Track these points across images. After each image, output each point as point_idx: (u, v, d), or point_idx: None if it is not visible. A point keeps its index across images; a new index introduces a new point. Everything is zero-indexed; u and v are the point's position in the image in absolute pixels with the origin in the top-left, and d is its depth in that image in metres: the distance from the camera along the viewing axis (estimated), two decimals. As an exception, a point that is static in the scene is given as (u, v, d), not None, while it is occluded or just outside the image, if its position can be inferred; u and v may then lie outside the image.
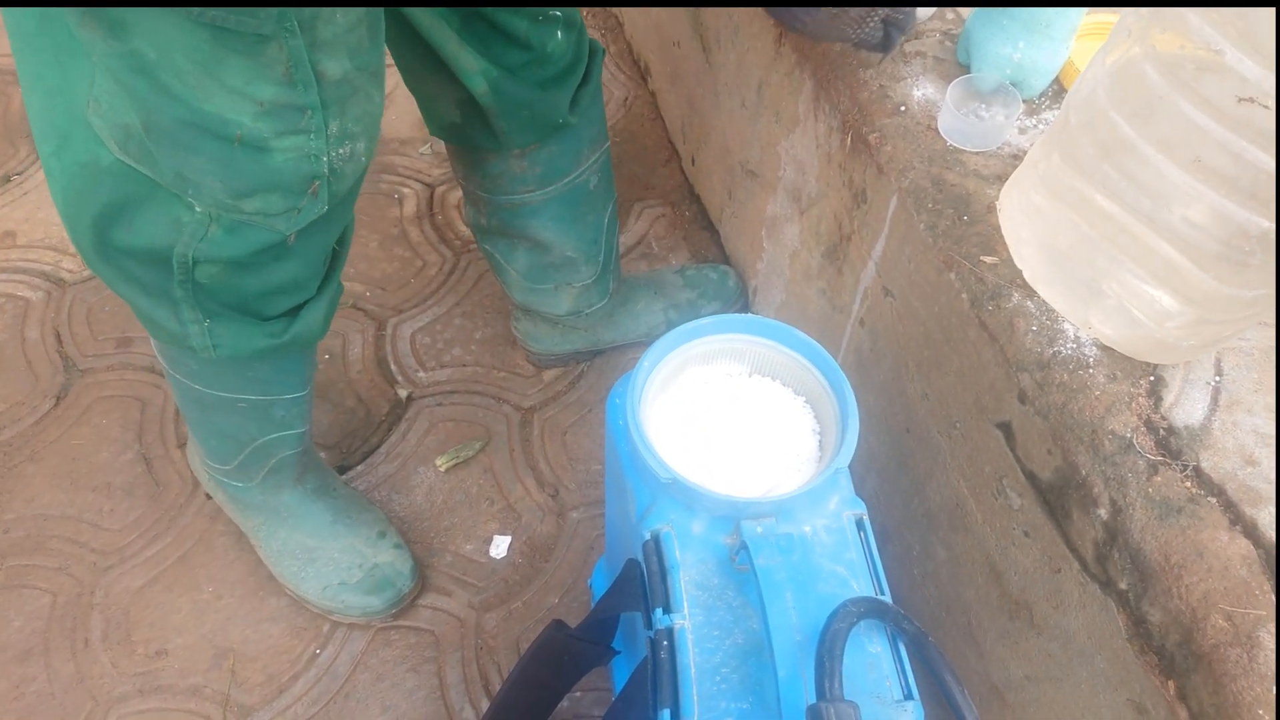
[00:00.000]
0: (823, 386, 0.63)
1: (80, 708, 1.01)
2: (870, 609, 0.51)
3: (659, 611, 0.56)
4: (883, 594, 0.57)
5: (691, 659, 0.54)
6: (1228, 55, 0.51)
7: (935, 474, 0.88)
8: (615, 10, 1.65)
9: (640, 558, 0.59)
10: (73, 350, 1.28)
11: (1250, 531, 0.62)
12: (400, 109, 1.54)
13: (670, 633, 0.55)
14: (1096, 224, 0.63)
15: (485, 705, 1.01)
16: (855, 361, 1.00)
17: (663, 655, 0.54)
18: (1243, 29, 0.50)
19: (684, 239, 1.42)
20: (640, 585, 0.59)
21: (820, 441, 0.65)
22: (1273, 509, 0.62)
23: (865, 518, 0.60)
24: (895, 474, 0.97)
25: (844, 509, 0.60)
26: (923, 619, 1.00)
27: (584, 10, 1.70)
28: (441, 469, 1.17)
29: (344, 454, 1.19)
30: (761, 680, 0.53)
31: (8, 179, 1.46)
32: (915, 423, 0.90)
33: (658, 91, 1.54)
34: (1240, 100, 0.51)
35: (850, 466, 1.04)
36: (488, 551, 1.11)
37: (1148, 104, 0.56)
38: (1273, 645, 0.57)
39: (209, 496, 1.12)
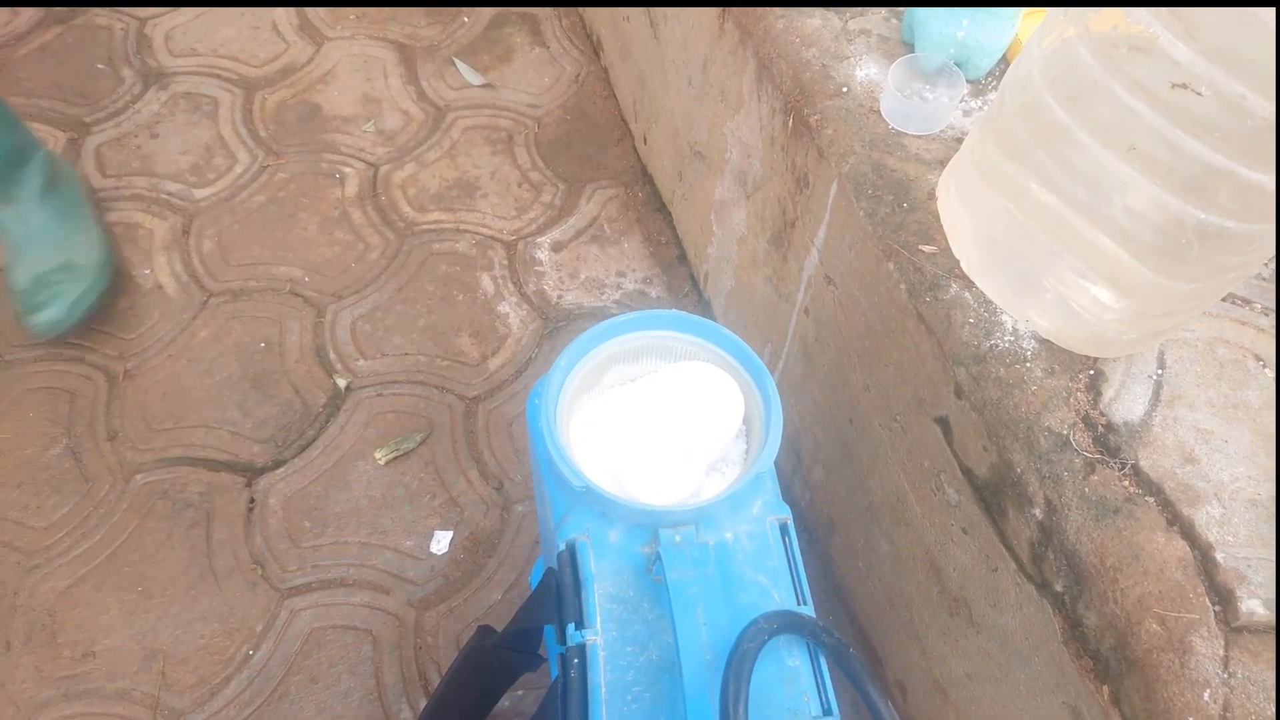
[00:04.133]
0: (749, 385, 0.61)
1: (1, 715, 0.97)
2: (785, 624, 0.49)
3: (571, 627, 0.53)
4: (804, 603, 0.55)
5: (603, 677, 0.51)
6: (1161, 38, 0.48)
7: (878, 467, 0.86)
8: (566, -17, 1.59)
9: (557, 569, 0.56)
10: (-3, 341, 1.22)
11: (1187, 532, 0.60)
12: (342, 85, 1.49)
13: (582, 649, 0.52)
14: (1032, 214, 0.60)
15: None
16: (801, 351, 0.97)
17: (572, 674, 0.51)
18: (1178, 11, 0.47)
19: (637, 221, 1.38)
20: (556, 598, 0.56)
21: (747, 442, 0.62)
22: (1210, 508, 0.61)
23: (789, 522, 0.57)
24: (840, 465, 0.95)
25: (768, 513, 0.57)
26: (867, 612, 0.98)
27: (535, -17, 1.65)
28: (381, 462, 1.14)
29: (279, 448, 1.15)
30: (675, 698, 0.51)
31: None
32: (858, 414, 0.87)
33: (610, 67, 1.49)
34: (1174, 86, 0.48)
35: (798, 456, 1.03)
36: (428, 548, 1.08)
37: (1083, 88, 0.53)
38: (1204, 650, 0.56)
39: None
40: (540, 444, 0.60)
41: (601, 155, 1.45)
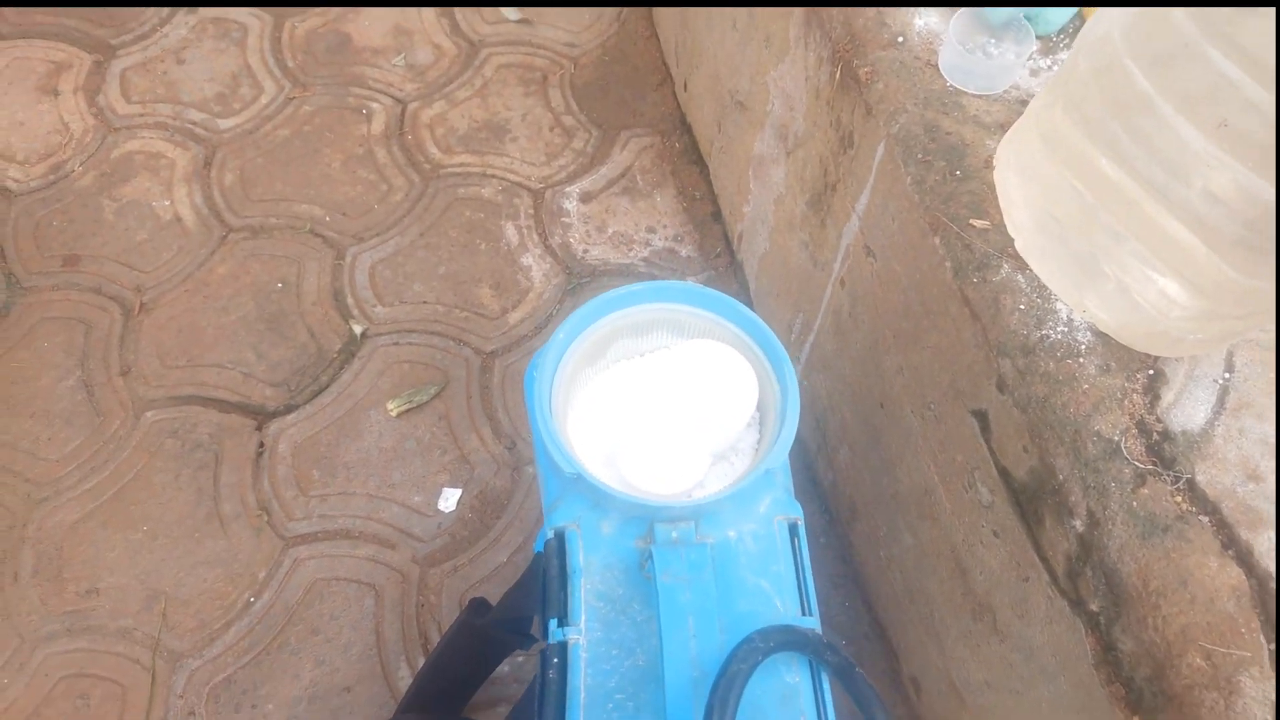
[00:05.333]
0: (766, 370, 0.55)
1: (5, 645, 0.97)
2: (784, 640, 0.44)
3: (554, 622, 0.49)
4: (810, 613, 0.50)
5: (583, 680, 0.47)
6: (1275, -6, 0.40)
7: (907, 455, 0.80)
8: (612, -85, 1.50)
9: (545, 555, 0.52)
10: (17, 267, 1.21)
11: (1244, 558, 0.54)
12: (374, 14, 1.43)
13: (563, 648, 0.48)
14: (1100, 193, 0.53)
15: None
16: (834, 325, 0.91)
17: (551, 674, 0.47)
18: (1298, -39, 0.39)
19: (672, 173, 1.31)
20: (541, 588, 0.52)
21: (760, 432, 0.57)
22: (1272, 534, 0.54)
23: (800, 523, 0.52)
24: (867, 449, 0.89)
25: (776, 512, 0.52)
26: (885, 603, 0.94)
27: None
28: (393, 413, 1.11)
29: (291, 392, 1.12)
30: (659, 709, 0.47)
31: (-45, 78, 1.37)
32: (890, 398, 0.81)
33: (653, 10, 1.41)
34: (1285, 53, 0.41)
35: (824, 434, 0.97)
36: (436, 504, 1.05)
37: (1171, 52, 0.46)
38: (1253, 693, 0.50)
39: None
40: (533, 418, 0.55)
41: (639, 101, 1.38)
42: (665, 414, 0.55)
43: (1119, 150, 0.51)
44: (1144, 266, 0.54)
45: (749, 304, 1.19)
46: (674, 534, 0.49)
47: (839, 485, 1.00)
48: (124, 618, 0.99)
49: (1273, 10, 0.41)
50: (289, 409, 1.11)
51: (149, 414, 1.10)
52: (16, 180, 1.27)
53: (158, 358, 1.14)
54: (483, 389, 1.13)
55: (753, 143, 1.04)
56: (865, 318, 0.83)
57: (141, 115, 1.32)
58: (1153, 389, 0.60)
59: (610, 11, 1.45)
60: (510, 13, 1.42)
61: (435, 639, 0.98)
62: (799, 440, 1.07)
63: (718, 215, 1.27)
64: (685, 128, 1.33)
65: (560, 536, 0.51)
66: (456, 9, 1.43)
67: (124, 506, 1.05)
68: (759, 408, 0.56)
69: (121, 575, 1.01)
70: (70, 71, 1.37)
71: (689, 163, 1.31)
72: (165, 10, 1.42)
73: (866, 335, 0.84)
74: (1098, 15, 0.53)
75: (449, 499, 1.06)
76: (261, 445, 1.09)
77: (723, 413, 0.54)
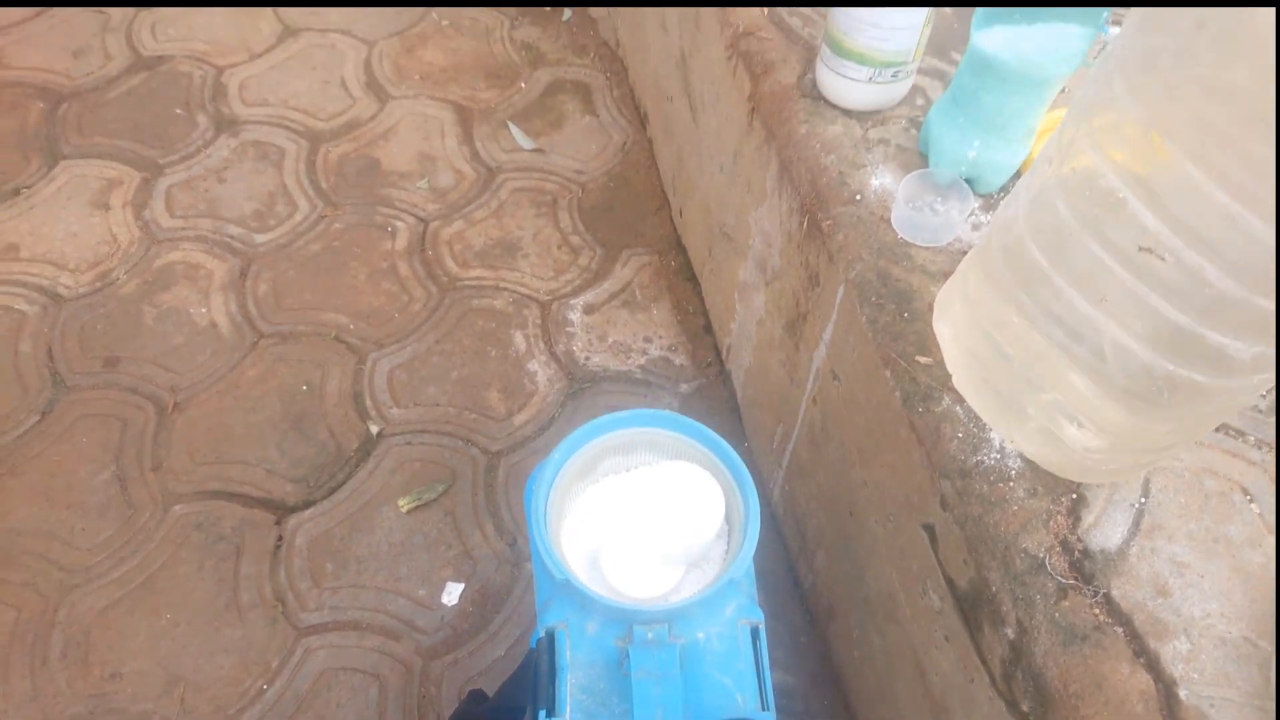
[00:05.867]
0: (732, 489, 0.64)
1: (32, 726, 1.03)
2: (738, 732, 0.52)
3: (542, 714, 0.56)
4: (768, 709, 0.58)
5: (566, 765, 0.54)
6: (1130, 203, 0.51)
7: (873, 561, 0.88)
8: (621, 55, 1.66)
9: (536, 652, 0.60)
10: (63, 366, 1.31)
11: (1152, 666, 0.61)
12: (402, 142, 1.57)
13: (550, 735, 0.55)
14: (1014, 346, 0.63)
15: (422, 753, 1.02)
16: (809, 437, 1.00)
17: (539, 758, 0.54)
18: (1144, 177, 0.50)
19: (668, 288, 1.43)
20: (532, 681, 0.59)
21: (728, 543, 0.65)
22: (1178, 643, 0.62)
23: (760, 627, 0.60)
24: (841, 554, 0.97)
25: (740, 616, 0.60)
26: (860, 702, 1.00)
27: (585, 48, 1.72)
28: (403, 510, 1.19)
29: (310, 489, 1.21)
30: (632, 792, 0.54)
31: (17, 191, 1.51)
32: (857, 508, 0.90)
33: (654, 139, 1.55)
34: (1141, 249, 0.51)
35: (804, 538, 1.05)
36: (439, 598, 1.12)
37: (1061, 238, 0.56)
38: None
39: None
40: (530, 527, 0.64)
41: (640, 223, 1.50)
42: (645, 526, 0.64)
43: (1025, 312, 0.60)
44: (1056, 410, 0.63)
45: (737, 410, 1.29)
46: (649, 634, 0.57)
47: (817, 587, 1.07)
48: (145, 701, 1.05)
49: (1128, 215, 0.51)
50: (307, 504, 1.19)
51: (177, 507, 1.19)
52: (67, 287, 1.39)
53: (188, 454, 1.23)
54: (488, 487, 1.22)
55: (738, 270, 1.15)
56: (835, 433, 0.92)
57: (184, 229, 1.45)
58: (1075, 511, 0.68)
59: (615, 142, 1.59)
60: (525, 142, 1.57)
61: (435, 729, 1.04)
62: (782, 541, 1.15)
63: (709, 328, 1.37)
64: (680, 249, 1.45)
65: (550, 635, 0.59)
66: (476, 140, 1.57)
67: (150, 594, 1.12)
68: (727, 522, 0.65)
69: (144, 660, 1.08)
70: (121, 188, 1.50)
71: (683, 280, 1.43)
72: (211, 133, 1.57)
73: (836, 449, 0.92)
74: (1007, 200, 0.63)
75: (452, 593, 1.13)
76: (280, 539, 1.17)
77: (694, 526, 0.62)
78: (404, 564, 1.15)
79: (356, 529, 1.17)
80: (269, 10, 1.75)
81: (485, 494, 1.21)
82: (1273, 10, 0.41)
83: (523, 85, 1.67)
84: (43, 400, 1.28)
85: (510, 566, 1.15)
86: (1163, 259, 0.50)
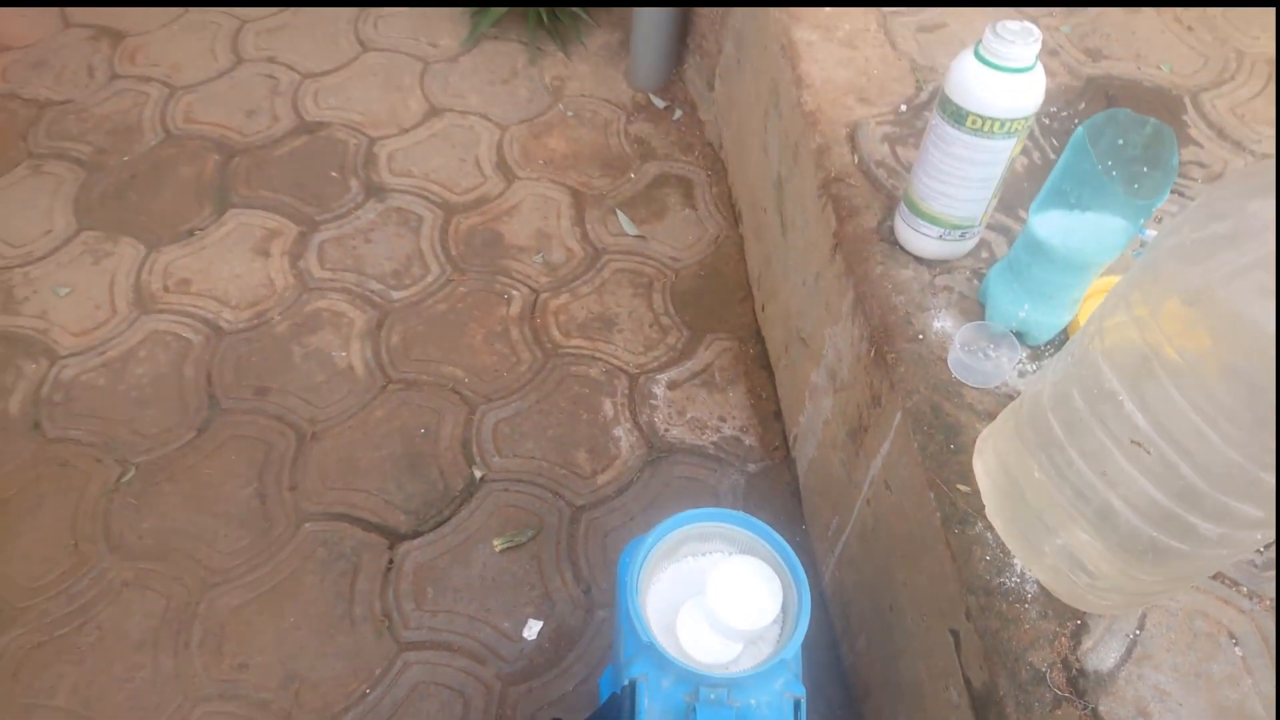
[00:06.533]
0: (790, 584, 0.79)
1: (173, 699, 1.23)
2: (777, 783, 0.66)
3: (623, 746, 0.72)
4: (801, 768, 0.72)
5: (638, 790, 0.69)
6: (1126, 404, 0.65)
7: (906, 653, 1.01)
8: (723, 157, 1.84)
9: (620, 696, 0.76)
10: (219, 391, 1.53)
11: (1128, 776, 0.73)
12: (523, 219, 1.77)
13: (627, 766, 0.71)
14: (1034, 495, 0.77)
15: (495, 767, 1.18)
16: (860, 533, 1.14)
17: (617, 783, 0.70)
18: (1135, 384, 0.64)
19: (744, 374, 1.58)
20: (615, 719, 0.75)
21: (782, 627, 0.80)
22: (1153, 760, 0.74)
23: (802, 701, 0.74)
24: (880, 641, 1.10)
25: (786, 690, 0.75)
26: (884, 774, 1.12)
27: (691, 147, 1.91)
28: (497, 549, 1.36)
29: (419, 520, 1.39)
30: (688, 820, 0.69)
31: (191, 232, 1.75)
32: (896, 603, 1.03)
33: (745, 238, 1.72)
34: (1132, 441, 0.65)
35: (848, 621, 1.18)
36: (521, 632, 1.28)
37: (1075, 419, 0.70)
38: None
39: (305, 541, 1.33)
40: (623, 594, 0.80)
41: (725, 310, 1.66)
42: (714, 605, 0.79)
43: (1044, 470, 0.74)
44: (1066, 552, 0.76)
45: (798, 495, 1.43)
46: (713, 695, 0.72)
47: (857, 667, 1.19)
48: (265, 692, 1.24)
49: (1125, 413, 0.65)
50: (416, 534, 1.38)
51: (307, 525, 1.38)
52: (228, 321, 1.62)
53: (320, 479, 1.43)
54: (570, 537, 1.38)
55: (810, 372, 1.30)
56: (883, 535, 1.06)
57: (332, 280, 1.67)
58: (1077, 635, 0.81)
59: (710, 234, 1.76)
60: (629, 228, 1.75)
61: (508, 747, 1.20)
62: (829, 621, 1.28)
63: (779, 415, 1.52)
64: (759, 339, 1.61)
65: (633, 685, 0.75)
66: (587, 222, 1.77)
67: (277, 599, 1.32)
68: (783, 610, 0.79)
69: (268, 656, 1.27)
70: (280, 238, 1.74)
71: (759, 368, 1.58)
72: (361, 197, 1.80)
73: (884, 549, 1.06)
74: (1037, 378, 0.77)
75: (532, 629, 1.29)
76: (391, 562, 1.35)
77: (755, 611, 0.77)
78: (493, 598, 1.32)
79: (456, 561, 1.35)
80: (418, 89, 1.99)
81: (567, 543, 1.38)
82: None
83: (632, 176, 1.86)
84: (200, 419, 1.50)
85: (584, 611, 1.31)
86: (1148, 452, 0.64)
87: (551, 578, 1.34)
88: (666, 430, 1.51)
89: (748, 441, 1.50)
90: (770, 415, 1.53)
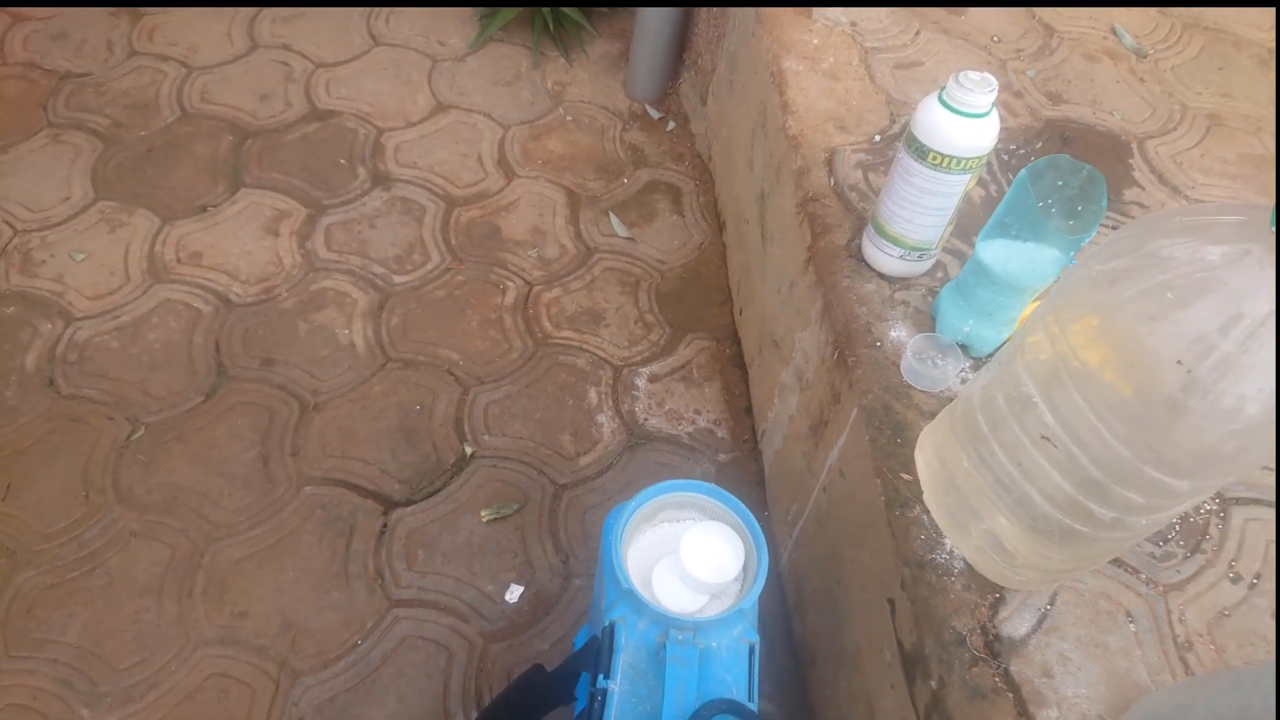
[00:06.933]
0: (751, 547, 0.91)
1: (176, 641, 1.32)
2: (730, 707, 0.78)
3: (602, 676, 0.84)
4: (752, 700, 0.84)
5: (613, 713, 0.81)
6: (1039, 404, 0.77)
7: (849, 622, 1.14)
8: (711, 168, 1.96)
9: (600, 636, 0.87)
10: (226, 359, 1.63)
11: (1028, 723, 0.86)
12: (520, 215, 1.88)
13: (605, 692, 0.82)
14: (964, 482, 0.89)
15: (474, 715, 1.29)
16: (816, 516, 1.26)
17: (596, 705, 0.81)
18: (1047, 389, 0.76)
19: (720, 372, 1.70)
20: (595, 655, 0.87)
21: (743, 583, 0.92)
22: (1049, 711, 0.87)
23: (756, 646, 0.87)
24: (827, 613, 1.23)
25: (743, 637, 0.87)
26: (827, 733, 1.25)
27: (682, 157, 2.03)
28: (484, 520, 1.47)
29: (413, 490, 1.50)
30: (655, 739, 0.80)
31: (204, 208, 1.84)
32: (843, 579, 1.16)
33: (727, 245, 1.84)
34: (1042, 436, 0.78)
35: (800, 595, 1.30)
36: (503, 595, 1.40)
37: (997, 417, 0.83)
38: (1015, 806, 0.81)
39: (306, 502, 1.43)
40: (607, 550, 0.91)
41: (705, 312, 1.79)
42: (686, 562, 0.91)
43: (972, 461, 0.87)
44: (990, 534, 0.89)
45: (763, 484, 1.55)
46: (680, 636, 0.84)
47: (806, 637, 1.32)
48: (263, 638, 1.34)
49: (1037, 412, 0.77)
50: (409, 502, 1.48)
51: (307, 488, 1.49)
52: (237, 294, 1.72)
53: (320, 446, 1.53)
54: (552, 512, 1.50)
55: (780, 373, 1.43)
56: (836, 517, 1.18)
57: (337, 262, 1.77)
58: (995, 607, 0.94)
59: (695, 240, 1.89)
60: (620, 229, 1.87)
61: (485, 699, 1.31)
62: (784, 598, 1.41)
63: (749, 411, 1.64)
64: (736, 340, 1.73)
65: (613, 625, 0.86)
66: (581, 222, 1.88)
67: (277, 555, 1.42)
68: (744, 570, 0.92)
69: (267, 605, 1.37)
70: (289, 219, 1.83)
71: (734, 367, 1.71)
72: (368, 184, 1.90)
73: (835, 530, 1.19)
74: (970, 382, 0.90)
75: (513, 593, 1.40)
76: (384, 526, 1.45)
77: (720, 568, 0.89)
78: (478, 563, 1.43)
79: (445, 528, 1.46)
80: (426, 85, 2.09)
81: (549, 517, 1.49)
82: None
83: (625, 180, 1.98)
84: (208, 384, 1.60)
85: (561, 579, 1.43)
86: (1055, 446, 0.77)
87: (533, 547, 1.45)
88: (646, 419, 1.62)
89: (720, 434, 1.62)
90: (742, 411, 1.65)
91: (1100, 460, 0.74)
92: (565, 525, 1.49)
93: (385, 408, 1.59)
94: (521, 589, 1.41)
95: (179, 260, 1.75)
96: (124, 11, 2.21)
